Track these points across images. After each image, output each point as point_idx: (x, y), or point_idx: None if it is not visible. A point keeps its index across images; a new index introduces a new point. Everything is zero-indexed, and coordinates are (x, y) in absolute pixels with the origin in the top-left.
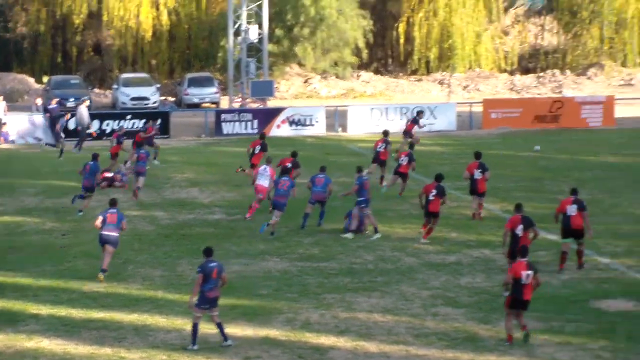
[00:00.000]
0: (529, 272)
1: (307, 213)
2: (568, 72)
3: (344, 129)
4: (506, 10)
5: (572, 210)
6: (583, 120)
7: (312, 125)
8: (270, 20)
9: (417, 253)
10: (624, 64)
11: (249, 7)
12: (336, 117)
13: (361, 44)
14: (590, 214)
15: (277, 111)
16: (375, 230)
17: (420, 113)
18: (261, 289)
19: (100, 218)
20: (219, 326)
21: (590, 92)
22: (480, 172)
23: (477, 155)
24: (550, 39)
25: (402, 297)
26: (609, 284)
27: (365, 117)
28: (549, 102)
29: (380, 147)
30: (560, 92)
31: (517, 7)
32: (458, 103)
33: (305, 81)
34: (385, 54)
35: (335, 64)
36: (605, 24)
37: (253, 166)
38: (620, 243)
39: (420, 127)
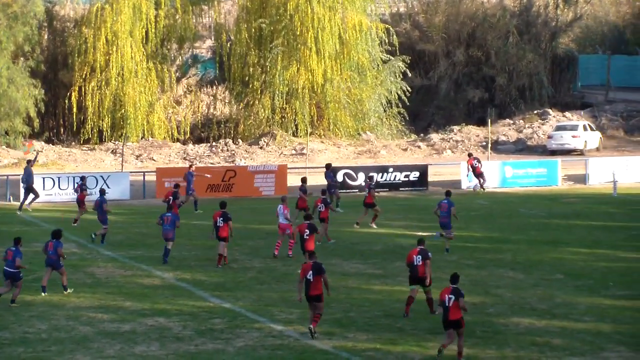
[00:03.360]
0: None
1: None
2: (240, 141)
3: (16, 198)
4: (178, 80)
5: (417, 260)
6: (256, 189)
7: None
8: None
9: (92, 322)
10: (295, 134)
11: None
12: (7, 186)
13: (32, 113)
14: (263, 282)
15: None
16: None
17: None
18: None
19: None
20: None
21: (262, 161)
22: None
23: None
24: (223, 108)
25: None
26: (283, 350)
27: (37, 186)
28: (222, 171)
29: (320, 207)
30: (233, 161)
31: (189, 77)
32: (131, 172)
33: None
34: (57, 123)
35: (6, 133)
36: (276, 94)
37: None
38: (294, 310)
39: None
